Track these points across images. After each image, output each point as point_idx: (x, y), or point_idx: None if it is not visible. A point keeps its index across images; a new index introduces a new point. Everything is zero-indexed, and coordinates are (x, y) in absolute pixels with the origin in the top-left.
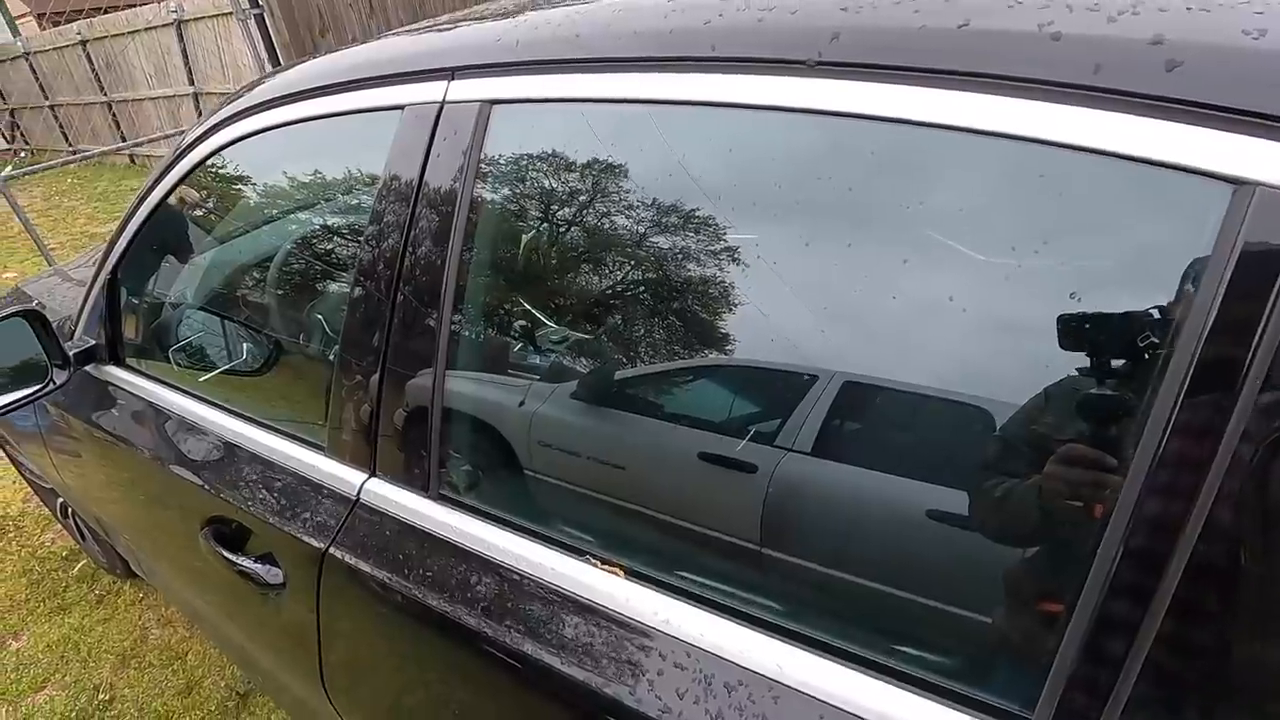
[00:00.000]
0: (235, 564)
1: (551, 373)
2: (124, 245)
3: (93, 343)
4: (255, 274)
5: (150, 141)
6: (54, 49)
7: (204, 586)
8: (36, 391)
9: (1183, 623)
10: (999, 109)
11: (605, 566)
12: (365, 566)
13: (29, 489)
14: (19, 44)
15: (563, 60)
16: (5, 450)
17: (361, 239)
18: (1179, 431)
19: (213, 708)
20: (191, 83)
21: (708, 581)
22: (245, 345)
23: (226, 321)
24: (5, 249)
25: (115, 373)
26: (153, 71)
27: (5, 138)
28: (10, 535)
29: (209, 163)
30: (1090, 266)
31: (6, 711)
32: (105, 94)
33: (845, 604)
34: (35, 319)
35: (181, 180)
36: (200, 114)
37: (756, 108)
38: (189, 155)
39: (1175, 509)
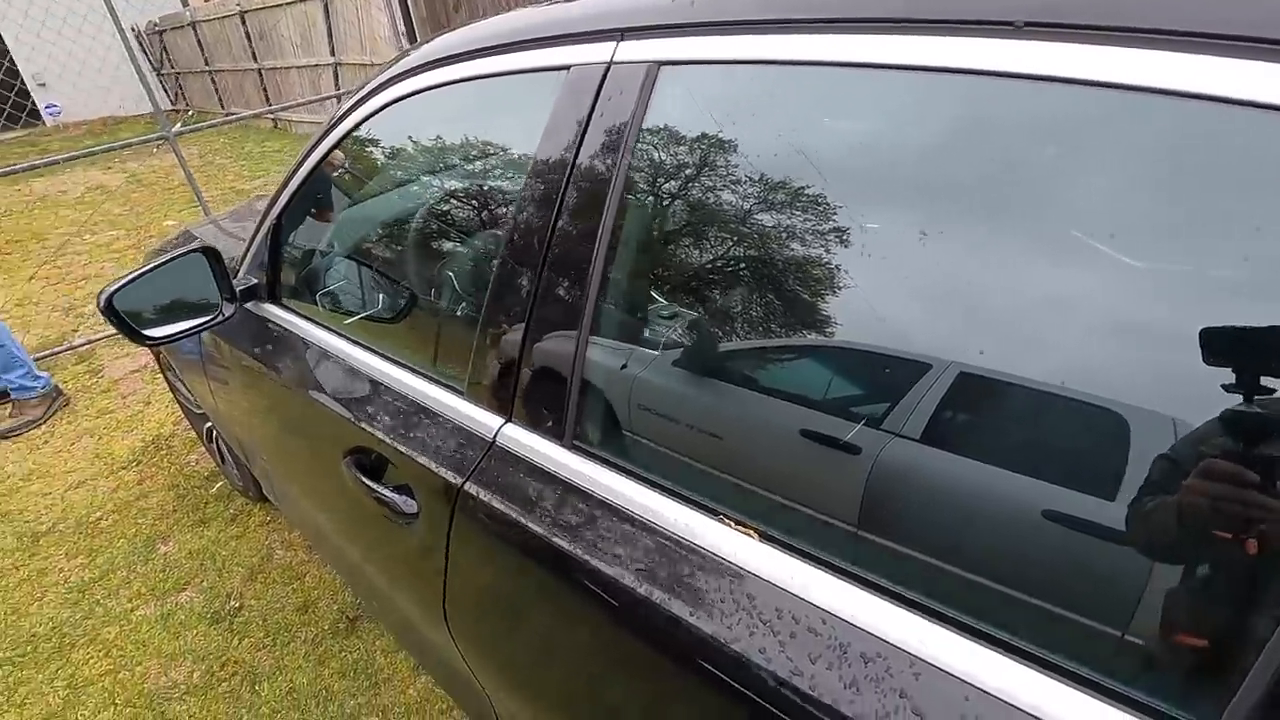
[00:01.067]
0: (374, 492)
1: (698, 344)
2: (288, 195)
3: (254, 282)
4: (408, 227)
5: (292, 107)
6: (216, 19)
7: (335, 512)
8: (208, 321)
9: None
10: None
11: (740, 527)
12: (498, 504)
13: (179, 415)
14: (187, 14)
15: (743, 21)
16: (166, 376)
17: (518, 197)
18: None
19: (325, 626)
20: (332, 53)
21: (847, 554)
22: (390, 294)
23: (376, 271)
24: (168, 200)
25: (272, 310)
26: (299, 41)
27: (170, 98)
28: (162, 453)
29: (371, 121)
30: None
31: (155, 606)
32: (257, 62)
33: (995, 591)
34: (213, 256)
35: (345, 137)
36: (338, 83)
37: (956, 71)
38: (354, 114)
39: None
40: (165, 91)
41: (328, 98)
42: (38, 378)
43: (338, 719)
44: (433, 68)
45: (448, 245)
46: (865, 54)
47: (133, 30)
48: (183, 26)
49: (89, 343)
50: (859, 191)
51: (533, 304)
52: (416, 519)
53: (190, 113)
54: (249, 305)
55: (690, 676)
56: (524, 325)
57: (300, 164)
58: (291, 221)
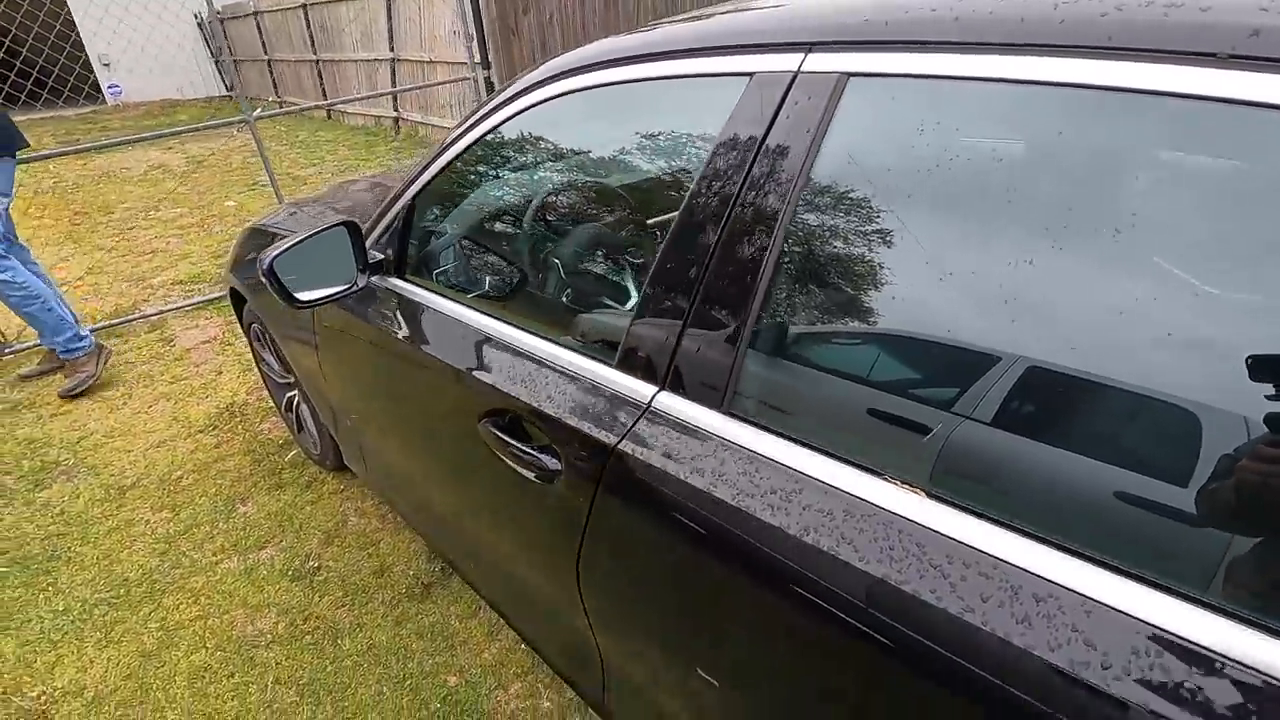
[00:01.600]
0: (515, 449)
1: (861, 319)
2: (427, 179)
3: (380, 257)
4: (560, 214)
5: (349, 101)
6: (278, 10)
7: (452, 473)
8: (343, 290)
9: None
10: None
11: (904, 485)
12: (655, 462)
13: (250, 384)
14: (250, 3)
15: (935, 41)
16: (253, 346)
17: (692, 190)
18: None
19: (401, 590)
20: (391, 49)
21: (1012, 504)
22: (532, 274)
23: (520, 254)
24: (227, 181)
25: (402, 284)
26: (359, 36)
27: (226, 85)
28: (237, 420)
29: (529, 113)
30: None
31: (238, 560)
32: (315, 53)
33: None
34: (354, 230)
35: (498, 127)
36: (394, 79)
37: (1145, 93)
38: (511, 105)
39: None
40: (222, 77)
41: (384, 94)
42: (82, 338)
43: (417, 675)
44: (603, 67)
45: (597, 229)
46: (1045, 74)
47: (196, 17)
48: (245, 16)
49: (160, 313)
50: (1037, 206)
51: (697, 292)
52: (558, 477)
53: (272, 99)
54: (375, 279)
55: (855, 619)
56: (686, 309)
57: (442, 150)
58: (427, 204)
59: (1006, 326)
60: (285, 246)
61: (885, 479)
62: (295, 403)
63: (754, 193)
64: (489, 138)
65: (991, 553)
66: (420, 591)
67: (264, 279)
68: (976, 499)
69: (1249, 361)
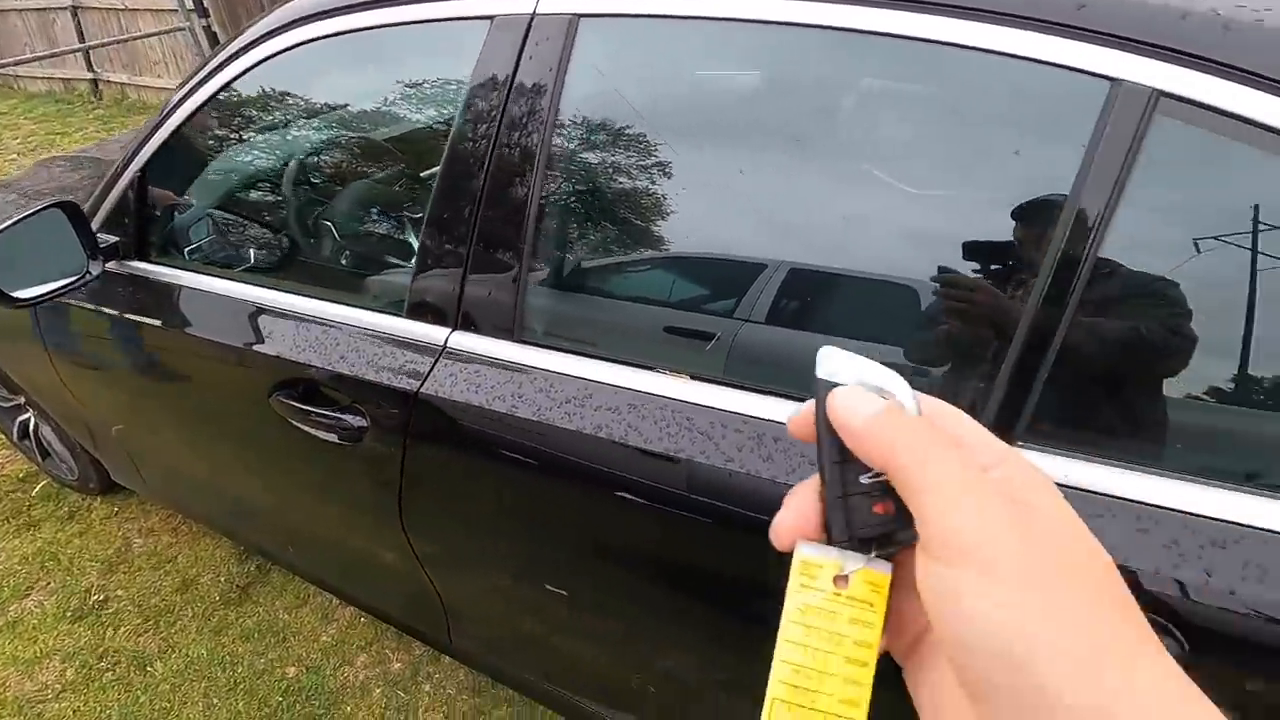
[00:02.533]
0: (317, 416)
1: (624, 242)
2: (154, 149)
3: (114, 240)
4: (321, 173)
5: (20, 63)
6: None
7: (244, 458)
8: (74, 281)
9: None
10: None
11: (673, 373)
12: (458, 398)
13: None
14: None
15: None
16: None
17: (453, 135)
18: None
19: (215, 599)
20: None
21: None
22: (301, 236)
23: (283, 217)
24: None
25: (148, 267)
26: None
27: None
28: None
29: (267, 66)
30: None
31: None
32: None
33: None
34: (73, 212)
35: (232, 83)
36: (81, 34)
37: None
38: (243, 57)
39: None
40: None
41: (68, 51)
42: None
43: (250, 678)
44: (332, 15)
45: (370, 188)
46: (760, 11)
47: None
48: None
49: None
50: (759, 133)
51: (473, 233)
52: (365, 435)
53: None
54: (111, 265)
55: (645, 495)
56: (466, 251)
57: (169, 113)
58: (163, 175)
59: (745, 237)
60: None
61: (657, 371)
62: (32, 426)
63: (511, 134)
64: (224, 96)
65: (743, 412)
66: (237, 595)
67: None
68: (728, 372)
69: (956, 245)
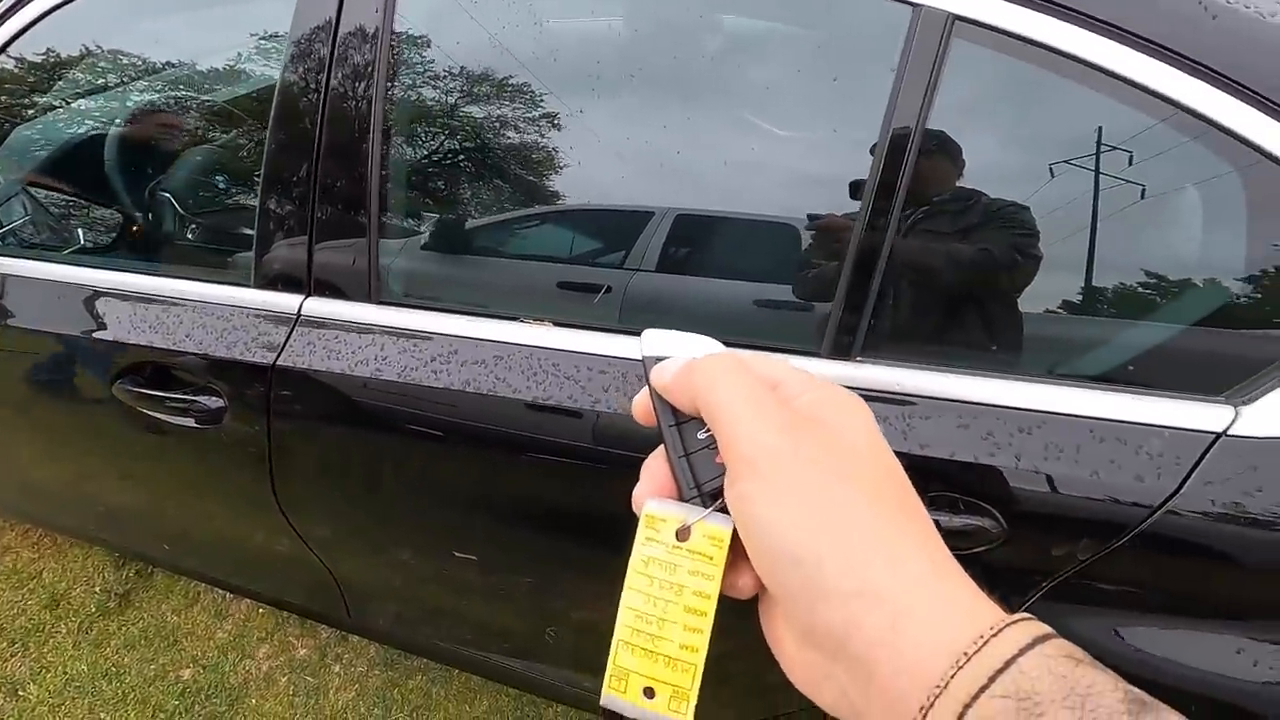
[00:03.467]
0: (168, 401)
1: (476, 194)
2: None
3: None
4: (129, 141)
5: None
6: None
7: (98, 459)
8: None
9: None
10: None
11: (536, 321)
12: (319, 365)
13: None
14: None
15: None
16: None
17: (279, 85)
18: None
19: (91, 611)
20: None
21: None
22: (131, 209)
23: (97, 185)
24: None
25: None
26: None
27: None
28: None
29: (52, 19)
30: None
31: None
32: None
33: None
34: None
35: (11, 42)
36: None
37: None
38: (18, 12)
39: None
40: None
41: None
42: None
43: (140, 686)
44: None
45: (197, 152)
46: None
47: None
48: None
49: None
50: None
51: (314, 193)
52: (224, 415)
53: None
54: None
55: (523, 443)
56: (309, 209)
57: None
58: None
59: (591, 181)
60: None
61: (520, 321)
62: None
63: (343, 83)
64: (13, 51)
65: (604, 353)
66: (116, 604)
67: None
68: (587, 316)
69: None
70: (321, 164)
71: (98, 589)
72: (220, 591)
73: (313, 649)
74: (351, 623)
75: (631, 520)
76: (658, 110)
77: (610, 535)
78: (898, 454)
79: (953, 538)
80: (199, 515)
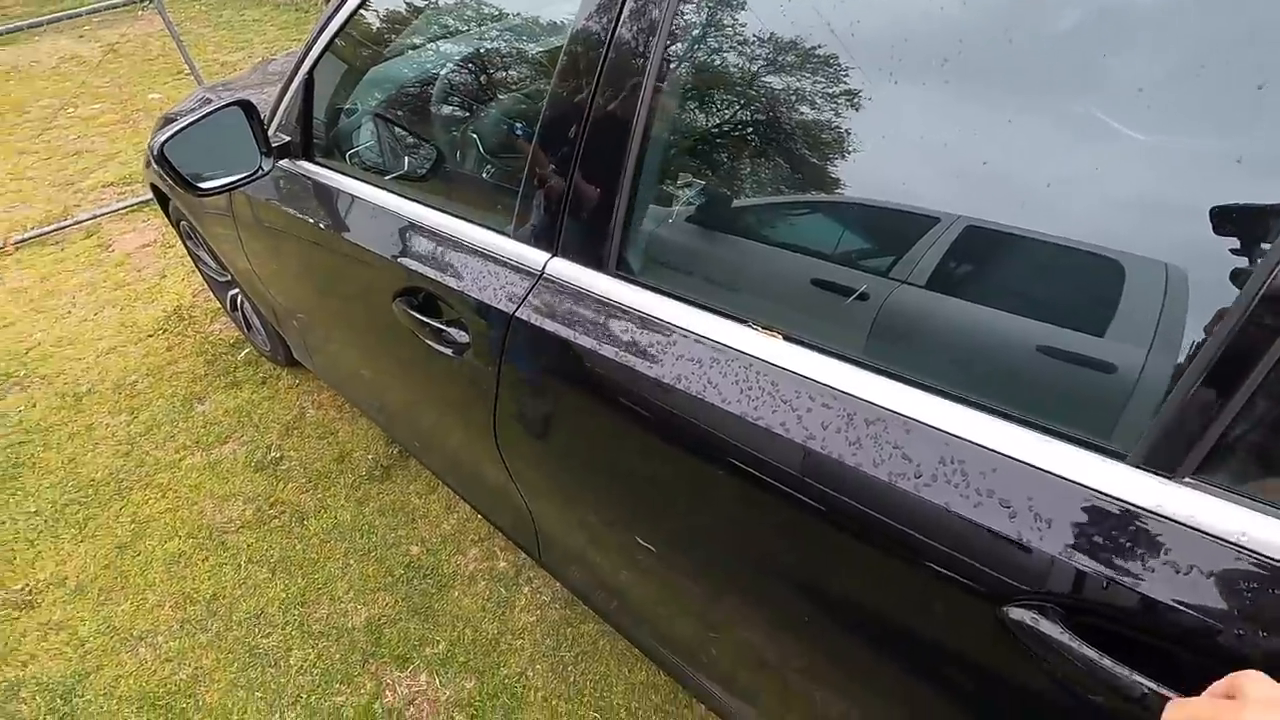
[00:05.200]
0: (429, 325)
1: (727, 178)
2: (319, 51)
3: (287, 140)
4: (448, 83)
5: None
6: None
7: (380, 357)
8: (246, 177)
9: None
10: None
11: (765, 330)
12: (548, 326)
13: (197, 286)
14: None
15: None
16: (186, 246)
17: (565, 47)
18: None
19: (362, 473)
20: None
21: (858, 344)
22: (431, 147)
23: (416, 126)
24: (148, 72)
25: (309, 167)
26: None
27: None
28: (186, 323)
29: None
30: None
31: (201, 455)
32: None
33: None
34: (249, 110)
35: None
36: None
37: None
38: None
39: None
40: None
41: None
42: None
43: (381, 548)
44: None
45: (489, 99)
46: None
47: None
48: None
49: (94, 217)
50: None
51: (579, 151)
52: (467, 349)
53: None
54: (284, 163)
55: (719, 457)
56: (569, 175)
57: (330, 18)
58: (324, 78)
59: (878, 179)
60: (175, 130)
61: (749, 325)
62: (239, 300)
63: (621, 47)
64: (367, 11)
65: (836, 386)
66: (381, 474)
67: (156, 166)
68: (824, 337)
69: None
70: (589, 127)
71: (371, 457)
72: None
73: (511, 565)
74: (542, 562)
75: (816, 572)
76: (973, 99)
77: (785, 573)
78: None
79: None
80: (440, 426)
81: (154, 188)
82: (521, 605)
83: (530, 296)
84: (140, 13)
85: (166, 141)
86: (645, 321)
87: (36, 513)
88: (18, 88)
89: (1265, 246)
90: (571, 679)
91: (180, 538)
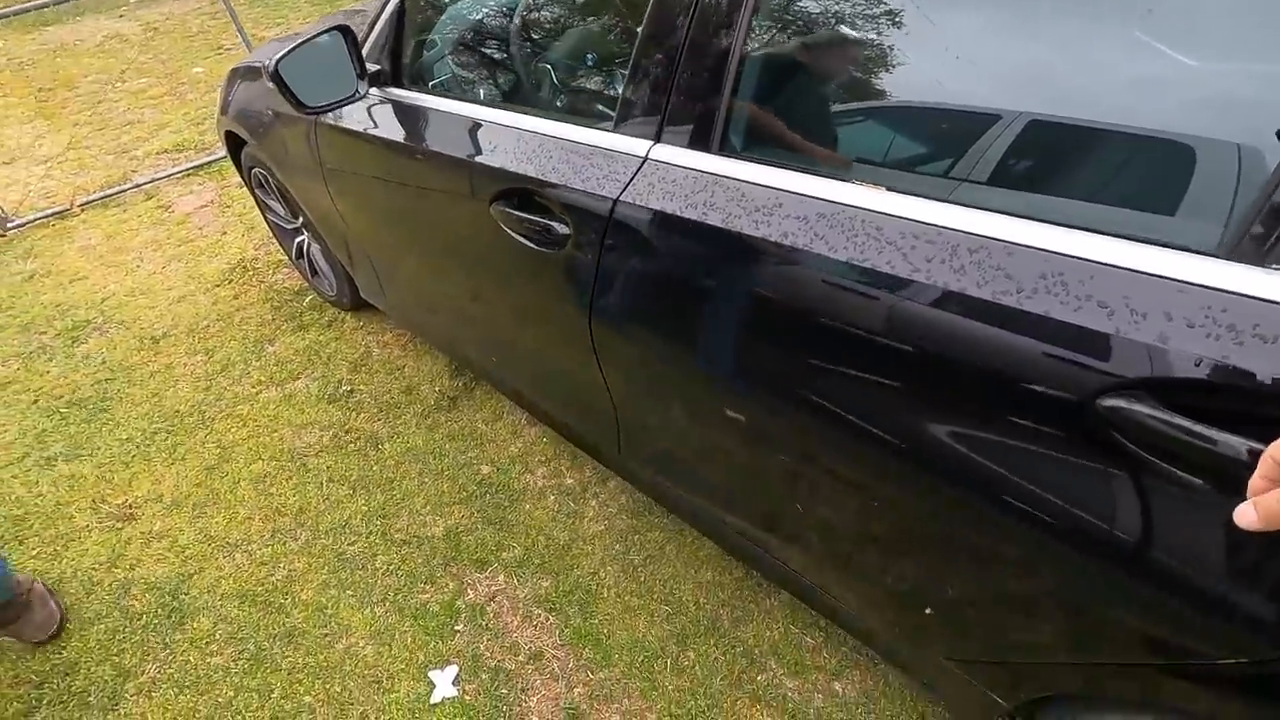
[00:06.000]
0: (530, 221)
1: (826, 59)
2: None
3: (378, 68)
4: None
5: None
6: None
7: (468, 270)
8: (346, 99)
9: None
10: None
11: (868, 184)
12: (655, 204)
13: (257, 240)
14: None
15: None
16: (255, 195)
17: None
18: None
19: (430, 403)
20: None
21: (953, 187)
22: (527, 57)
23: (511, 41)
24: (190, 48)
25: (402, 92)
26: None
27: None
28: (250, 274)
29: None
30: None
31: (276, 390)
32: None
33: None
34: (349, 35)
35: None
36: None
37: None
38: None
39: None
40: None
41: None
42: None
43: (454, 468)
44: None
45: (593, 23)
46: None
47: None
48: None
49: (152, 181)
50: None
51: (683, 46)
52: (568, 242)
53: None
54: (375, 90)
55: (828, 306)
56: (675, 64)
57: None
58: (416, 10)
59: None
60: (288, 49)
61: (852, 182)
62: (305, 247)
63: None
64: None
65: (937, 223)
66: (447, 404)
67: (270, 82)
68: (922, 186)
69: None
70: (696, 19)
71: (437, 389)
72: (520, 414)
73: (578, 481)
74: (619, 461)
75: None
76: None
77: (881, 435)
78: None
79: None
80: (525, 333)
81: (229, 135)
82: (590, 516)
83: (635, 180)
84: None
85: (281, 59)
86: (750, 189)
87: (128, 440)
88: (68, 64)
89: None
90: (641, 578)
91: (264, 460)
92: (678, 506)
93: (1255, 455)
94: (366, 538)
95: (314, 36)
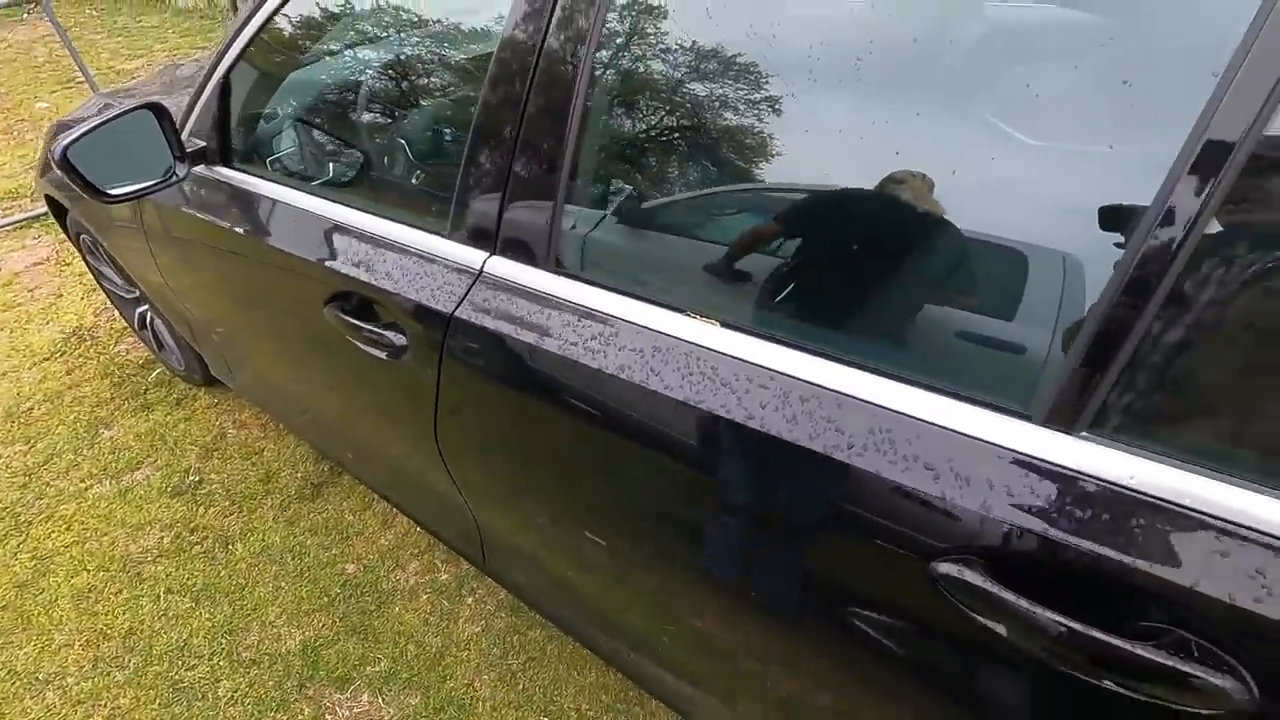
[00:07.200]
0: (364, 330)
1: (660, 176)
2: (236, 53)
3: (202, 145)
4: (376, 86)
5: None
6: None
7: (312, 366)
8: (159, 183)
9: None
10: None
11: (702, 319)
12: (489, 324)
13: (97, 305)
14: None
15: None
16: (87, 262)
17: (496, 51)
18: None
19: (291, 493)
20: None
21: (790, 326)
22: (360, 150)
23: (343, 130)
24: (34, 79)
25: (229, 173)
26: None
27: None
28: (88, 344)
29: None
30: None
31: (110, 484)
32: None
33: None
34: (160, 113)
35: None
36: None
37: None
38: None
39: None
40: None
41: None
42: None
43: (315, 568)
44: None
45: (419, 103)
46: None
47: None
48: None
49: None
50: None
51: (513, 155)
52: (405, 352)
53: None
54: (199, 169)
55: (666, 442)
56: (506, 173)
57: (249, 19)
58: (241, 82)
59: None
60: (80, 133)
61: (686, 314)
62: (149, 318)
63: (554, 46)
64: (286, 12)
65: (771, 367)
66: (311, 492)
67: (60, 170)
68: (761, 324)
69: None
70: (524, 127)
71: (299, 475)
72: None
73: (453, 576)
74: (486, 568)
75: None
76: (880, 102)
77: (740, 559)
78: None
79: None
80: (376, 435)
81: (49, 199)
82: (466, 616)
83: (470, 295)
84: (24, 17)
85: (70, 145)
86: (587, 315)
87: None
88: None
89: (1130, 240)
90: (520, 686)
91: (89, 571)
92: (552, 615)
93: (1075, 635)
94: (209, 659)
95: (115, 117)
